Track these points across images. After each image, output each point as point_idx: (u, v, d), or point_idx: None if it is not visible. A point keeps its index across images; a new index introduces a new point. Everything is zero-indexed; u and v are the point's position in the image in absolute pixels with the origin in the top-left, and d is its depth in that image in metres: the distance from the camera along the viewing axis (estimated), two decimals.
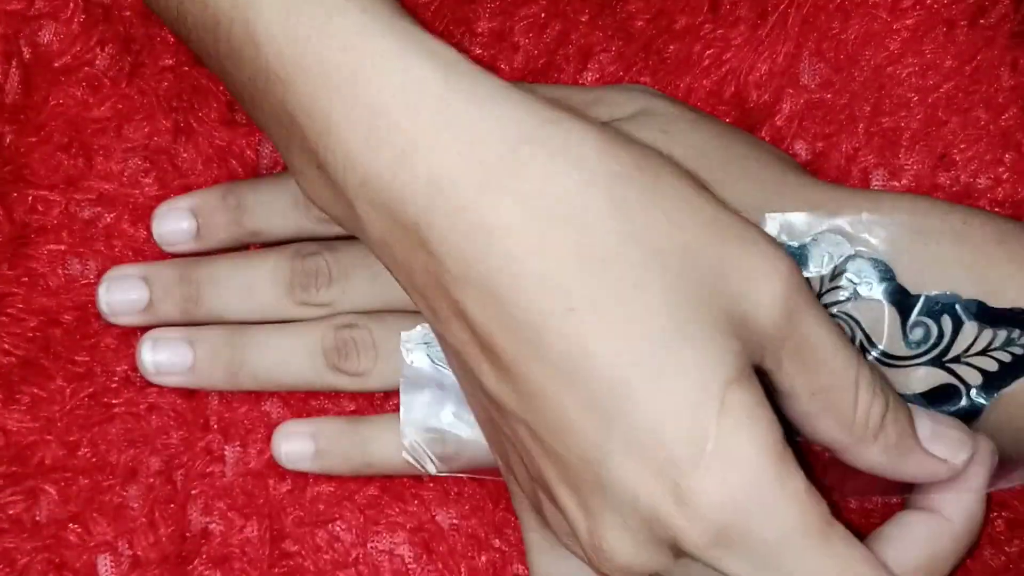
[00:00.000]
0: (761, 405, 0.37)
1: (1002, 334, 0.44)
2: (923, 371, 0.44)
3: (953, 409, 0.44)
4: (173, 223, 0.49)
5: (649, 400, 0.36)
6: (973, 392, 0.44)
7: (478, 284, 0.37)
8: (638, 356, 0.36)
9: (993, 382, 0.44)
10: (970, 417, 0.45)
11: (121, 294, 0.49)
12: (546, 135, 0.37)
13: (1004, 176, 0.49)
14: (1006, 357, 0.44)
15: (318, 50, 0.38)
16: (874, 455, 0.41)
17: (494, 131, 0.37)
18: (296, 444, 0.48)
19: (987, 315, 0.44)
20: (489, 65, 0.50)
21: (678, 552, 0.38)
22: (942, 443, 0.42)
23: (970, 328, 0.44)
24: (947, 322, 0.44)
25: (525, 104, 0.37)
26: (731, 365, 0.36)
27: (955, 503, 0.42)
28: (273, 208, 0.49)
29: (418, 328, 0.47)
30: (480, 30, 0.50)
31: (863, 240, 0.44)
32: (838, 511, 0.42)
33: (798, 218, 0.44)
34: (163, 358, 0.49)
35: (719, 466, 0.36)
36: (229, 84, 0.42)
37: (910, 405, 0.43)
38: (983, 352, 0.44)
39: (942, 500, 0.42)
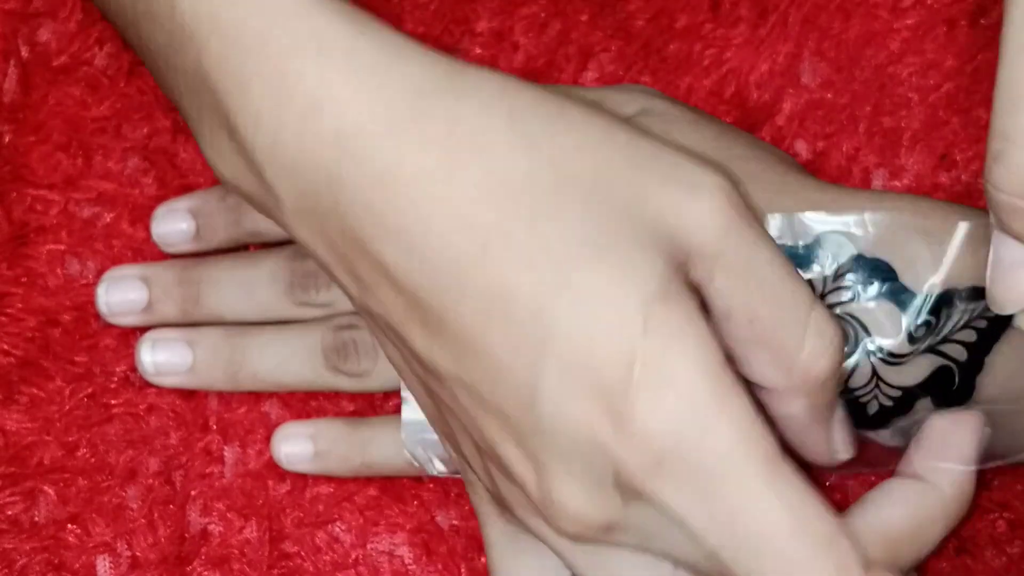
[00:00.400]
0: (691, 321, 0.35)
1: (980, 304, 0.44)
2: (918, 361, 0.44)
3: (951, 389, 0.44)
4: (172, 224, 0.49)
5: (573, 326, 0.35)
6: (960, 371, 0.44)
7: (394, 235, 0.36)
8: (556, 283, 0.35)
9: (976, 353, 0.44)
10: (964, 396, 0.45)
11: (120, 294, 0.49)
12: (450, 82, 0.37)
13: None
14: (981, 324, 0.44)
15: (232, 9, 0.37)
16: (796, 409, 0.39)
17: (400, 80, 0.36)
18: (296, 446, 0.48)
19: (971, 294, 0.44)
20: (489, 65, 0.50)
21: (626, 493, 0.36)
22: (843, 432, 0.41)
23: (957, 311, 0.44)
24: (944, 315, 0.44)
25: (431, 57, 0.37)
26: (653, 282, 0.35)
27: (944, 472, 0.41)
28: None
29: None
30: (480, 30, 0.50)
31: (865, 240, 0.44)
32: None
33: (800, 218, 0.44)
34: (162, 359, 0.49)
35: (651, 387, 0.34)
36: (143, 52, 0.41)
37: None
38: (965, 326, 0.44)
39: (930, 469, 0.41)
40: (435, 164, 0.36)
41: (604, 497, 0.36)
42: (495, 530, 0.43)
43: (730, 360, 0.36)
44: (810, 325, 0.38)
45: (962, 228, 0.44)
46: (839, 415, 0.41)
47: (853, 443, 0.42)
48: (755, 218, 0.37)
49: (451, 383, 0.37)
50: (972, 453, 0.41)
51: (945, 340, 0.44)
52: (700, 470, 0.35)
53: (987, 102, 0.49)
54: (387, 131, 0.36)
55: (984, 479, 0.48)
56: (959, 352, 0.44)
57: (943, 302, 0.44)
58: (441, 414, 0.40)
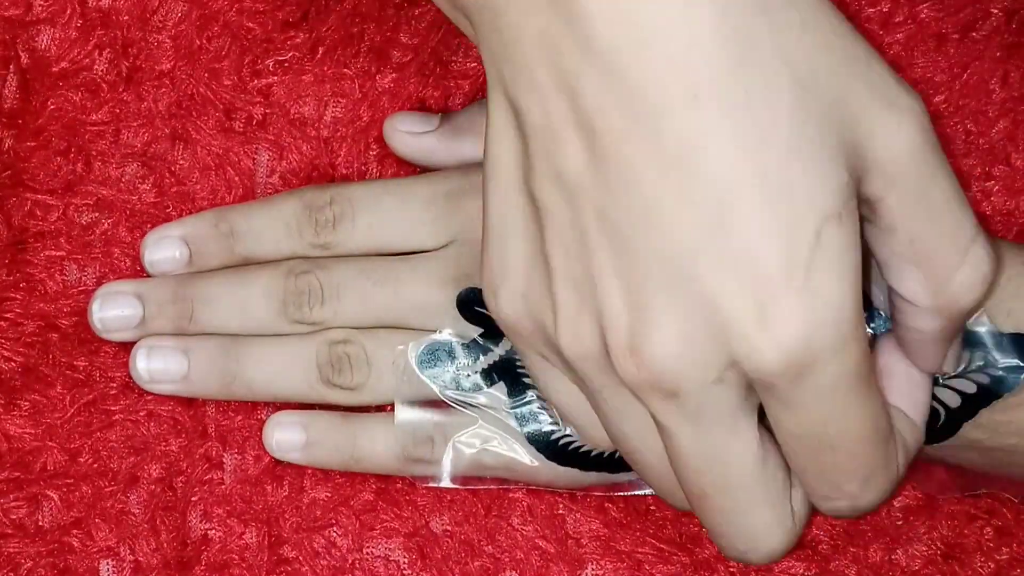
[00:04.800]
0: (855, 247, 0.36)
1: (979, 355, 0.45)
2: None
3: (934, 429, 0.45)
4: (165, 251, 0.49)
5: (753, 214, 0.35)
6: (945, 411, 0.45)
7: (606, 51, 0.35)
8: (753, 165, 0.35)
9: (971, 404, 0.45)
10: (946, 435, 0.45)
11: (114, 311, 0.49)
12: None
13: (994, 189, 0.49)
14: (984, 379, 0.45)
15: None
16: (929, 326, 0.40)
17: None
18: (287, 433, 0.49)
19: (965, 338, 0.44)
20: (483, 77, 0.50)
21: (721, 373, 0.37)
22: (956, 349, 0.43)
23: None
24: None
25: None
26: (837, 198, 0.35)
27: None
28: (265, 235, 0.49)
29: (410, 344, 0.48)
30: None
31: None
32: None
33: None
34: (157, 366, 0.49)
35: (808, 298, 0.35)
36: None
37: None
38: (962, 375, 0.45)
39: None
40: (662, 6, 0.35)
41: (701, 365, 0.37)
42: (538, 357, 0.42)
43: (881, 267, 0.39)
44: (968, 256, 0.39)
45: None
46: (959, 336, 0.42)
47: (959, 359, 0.43)
48: (938, 146, 0.38)
49: (585, 208, 0.37)
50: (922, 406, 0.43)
51: (937, 383, 0.45)
52: (819, 381, 0.36)
53: (976, 116, 0.50)
54: None
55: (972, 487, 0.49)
56: (951, 398, 0.45)
57: None
58: (539, 234, 0.39)
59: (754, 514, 0.39)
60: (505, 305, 0.40)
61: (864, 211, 0.38)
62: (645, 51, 0.35)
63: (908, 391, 0.42)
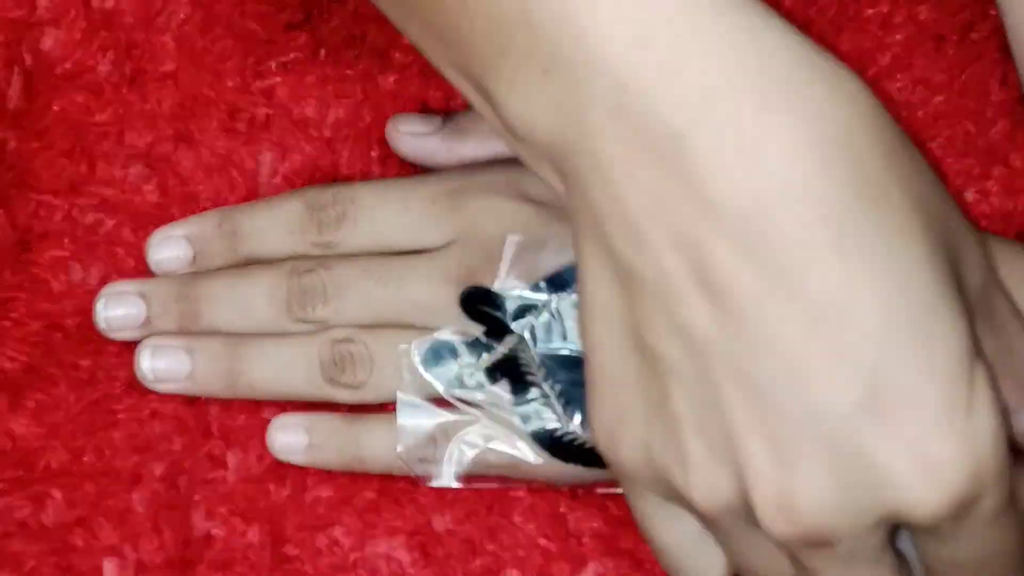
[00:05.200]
0: (992, 378, 0.36)
1: None
2: None
3: None
4: (169, 251, 0.50)
5: (909, 362, 0.35)
6: None
7: (735, 218, 0.35)
8: (902, 312, 0.35)
9: None
10: None
11: (119, 310, 0.49)
12: (819, 64, 0.35)
13: (993, 189, 0.50)
14: None
15: None
16: None
17: (772, 50, 0.35)
18: (291, 436, 0.49)
19: None
20: None
21: (876, 523, 0.37)
22: None
23: None
24: None
25: (792, 31, 0.36)
26: (971, 336, 0.36)
27: None
28: (268, 234, 0.49)
29: (413, 343, 0.48)
30: None
31: None
32: None
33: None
34: (161, 365, 0.49)
35: (970, 437, 0.35)
36: None
37: None
38: None
39: None
40: (804, 149, 0.34)
41: (859, 518, 0.36)
42: (647, 500, 0.41)
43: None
44: None
45: None
46: None
47: None
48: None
49: (713, 363, 0.36)
50: None
51: None
52: (981, 517, 0.36)
53: (975, 116, 0.50)
54: (760, 103, 0.34)
55: None
56: None
57: None
58: (660, 386, 0.38)
59: None
60: (629, 452, 0.39)
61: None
62: (779, 211, 0.34)
63: None
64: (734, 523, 0.38)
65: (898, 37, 0.50)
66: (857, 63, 0.50)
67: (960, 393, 0.35)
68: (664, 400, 0.37)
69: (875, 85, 0.50)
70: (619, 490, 0.49)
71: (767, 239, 0.35)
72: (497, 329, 0.47)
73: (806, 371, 0.35)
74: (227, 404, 0.50)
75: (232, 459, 0.50)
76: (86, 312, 0.50)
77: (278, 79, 0.51)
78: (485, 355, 0.47)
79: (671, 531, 0.41)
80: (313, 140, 0.51)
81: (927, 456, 0.35)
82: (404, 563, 0.49)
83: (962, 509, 0.36)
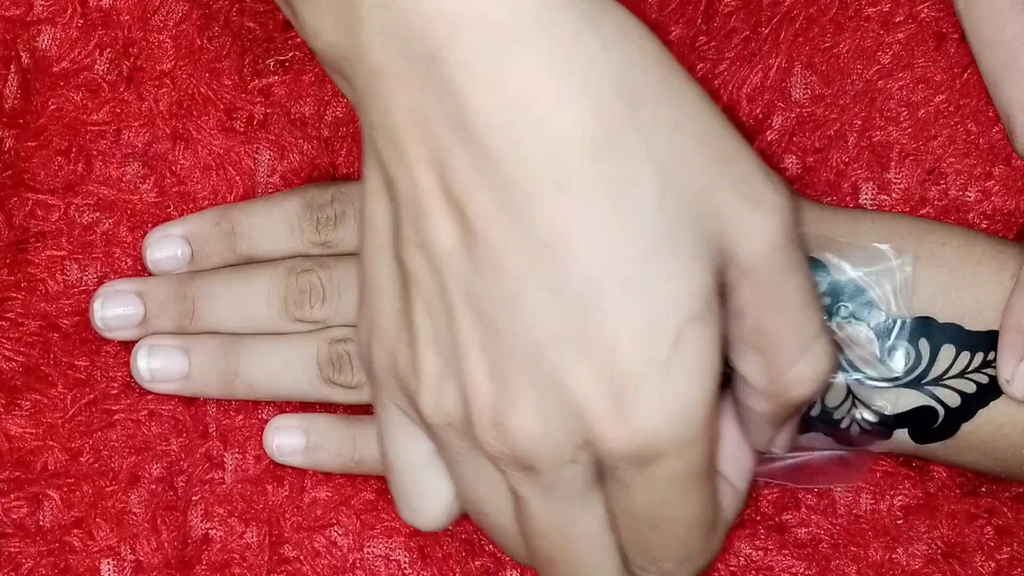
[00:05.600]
0: (715, 348, 0.37)
1: (979, 356, 0.45)
2: (902, 393, 0.45)
3: (932, 428, 0.46)
4: (167, 250, 0.50)
5: (617, 306, 0.36)
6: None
7: (479, 135, 0.36)
8: (617, 258, 0.36)
9: (971, 403, 0.45)
10: (946, 435, 0.46)
11: (116, 310, 0.49)
12: (589, 6, 0.36)
13: (994, 189, 0.49)
14: (983, 379, 0.45)
15: None
16: (761, 408, 0.41)
17: None
18: (288, 437, 0.49)
19: (963, 338, 0.45)
20: None
21: (575, 454, 0.38)
22: (787, 433, 0.44)
23: (947, 351, 0.45)
24: (924, 346, 0.45)
25: None
26: (700, 299, 0.37)
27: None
28: (266, 233, 0.49)
29: None
30: None
31: (840, 266, 0.45)
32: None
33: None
34: (158, 365, 0.49)
35: (662, 395, 0.36)
36: None
37: None
38: (961, 375, 0.45)
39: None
40: (548, 84, 0.36)
41: (556, 445, 0.38)
42: (396, 413, 0.43)
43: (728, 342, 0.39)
44: (808, 353, 0.40)
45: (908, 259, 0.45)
46: (790, 423, 0.43)
47: (790, 442, 0.44)
48: (798, 242, 0.39)
49: (451, 282, 0.38)
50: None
51: (936, 382, 0.45)
52: (661, 473, 0.38)
53: (976, 115, 0.50)
54: (512, 34, 0.36)
55: (972, 486, 0.49)
56: (951, 398, 0.45)
57: (922, 332, 0.45)
58: (402, 294, 0.40)
59: None
60: (378, 359, 0.41)
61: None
62: (517, 138, 0.36)
63: (735, 459, 0.43)
64: (459, 444, 0.40)
65: (899, 36, 0.50)
66: (858, 62, 0.50)
67: (660, 352, 0.36)
68: (408, 312, 0.39)
69: (876, 84, 0.50)
70: None
71: (502, 165, 0.36)
72: None
73: (523, 298, 0.36)
74: (225, 404, 0.50)
75: (230, 460, 0.50)
76: (83, 312, 0.50)
77: (276, 77, 0.51)
78: None
79: (405, 450, 0.42)
80: (311, 139, 0.51)
81: (619, 399, 0.36)
82: (403, 564, 0.49)
83: (644, 459, 0.37)
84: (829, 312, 0.45)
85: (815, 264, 0.45)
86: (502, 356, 0.37)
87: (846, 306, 0.45)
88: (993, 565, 0.49)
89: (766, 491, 0.49)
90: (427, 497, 0.43)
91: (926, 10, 0.50)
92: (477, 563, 0.49)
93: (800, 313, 0.39)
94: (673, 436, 0.37)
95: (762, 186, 0.38)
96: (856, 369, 0.45)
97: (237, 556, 0.49)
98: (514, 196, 0.36)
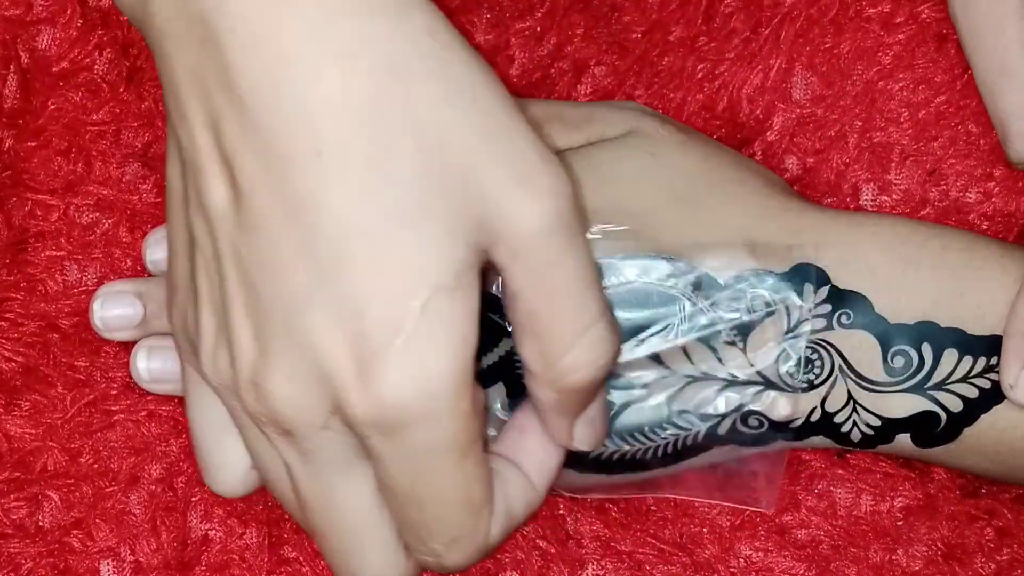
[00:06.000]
0: (465, 322, 0.37)
1: (981, 361, 0.45)
2: (904, 397, 0.45)
3: (935, 433, 0.46)
4: (166, 251, 0.49)
5: (365, 271, 0.37)
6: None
7: (244, 97, 0.37)
8: (369, 223, 0.37)
9: (974, 409, 0.45)
10: (947, 440, 0.46)
11: (115, 310, 0.49)
12: None
13: (994, 190, 0.49)
14: (985, 384, 0.45)
15: None
16: (544, 396, 0.41)
17: None
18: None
19: (966, 343, 0.45)
20: None
21: (327, 420, 0.38)
22: (589, 428, 0.43)
23: (950, 356, 0.45)
24: (927, 350, 0.45)
25: None
26: (449, 272, 0.37)
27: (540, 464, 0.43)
28: None
29: None
30: (476, 42, 0.51)
31: (840, 273, 0.45)
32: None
33: (769, 246, 0.45)
34: (158, 366, 0.49)
35: (404, 363, 0.37)
36: None
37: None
38: (963, 379, 0.45)
39: (527, 456, 0.43)
40: (308, 49, 0.36)
41: (309, 405, 0.38)
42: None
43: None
44: (584, 339, 0.39)
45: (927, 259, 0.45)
46: (591, 414, 0.42)
47: (597, 439, 0.43)
48: (577, 226, 0.39)
49: (224, 245, 0.38)
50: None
51: (939, 387, 0.45)
52: (411, 443, 0.38)
53: (977, 117, 0.50)
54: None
55: (972, 487, 0.49)
56: (953, 402, 0.45)
57: (924, 337, 0.45)
58: (190, 258, 0.40)
59: (365, 558, 0.41)
60: (175, 320, 0.42)
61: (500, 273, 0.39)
62: (278, 102, 0.36)
63: (534, 453, 0.43)
64: (236, 406, 0.40)
65: (900, 37, 0.50)
66: (859, 63, 0.50)
67: (404, 321, 0.37)
68: (194, 274, 0.40)
69: (877, 85, 0.50)
70: (617, 495, 0.49)
71: (264, 126, 0.37)
72: (493, 332, 0.47)
73: (280, 259, 0.37)
74: None
75: None
76: (83, 312, 0.50)
77: None
78: (480, 358, 0.47)
79: (202, 414, 0.43)
80: None
81: (363, 366, 0.37)
82: None
83: (388, 428, 0.37)
84: (828, 320, 0.45)
85: (808, 269, 0.45)
86: (263, 317, 0.38)
87: (847, 313, 0.45)
88: (993, 566, 0.49)
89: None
90: (224, 463, 0.43)
91: (927, 11, 0.50)
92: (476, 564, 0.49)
93: (575, 298, 0.39)
94: (417, 406, 0.37)
95: (536, 168, 0.38)
96: (854, 374, 0.45)
97: (237, 557, 0.49)
98: (274, 158, 0.37)
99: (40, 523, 0.49)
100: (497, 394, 0.47)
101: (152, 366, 0.49)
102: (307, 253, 0.37)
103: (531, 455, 0.43)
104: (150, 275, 0.50)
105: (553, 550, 0.49)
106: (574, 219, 0.38)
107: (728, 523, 0.49)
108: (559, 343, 0.39)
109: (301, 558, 0.49)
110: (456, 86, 0.37)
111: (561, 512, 0.49)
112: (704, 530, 0.49)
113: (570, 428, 0.42)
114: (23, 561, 0.49)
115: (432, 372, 0.37)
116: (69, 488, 0.49)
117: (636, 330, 0.45)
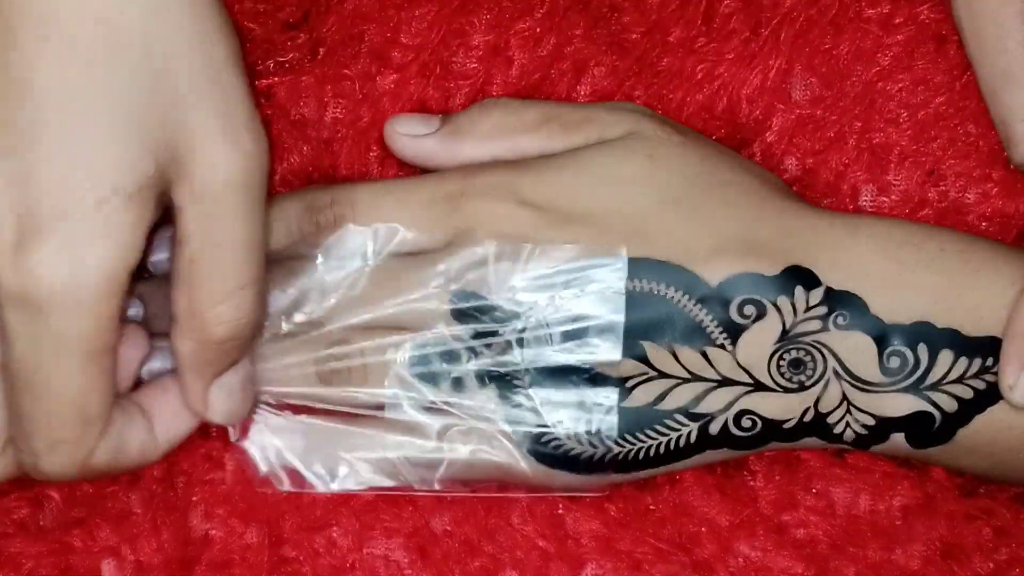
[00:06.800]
0: (134, 231, 0.40)
1: (977, 362, 0.45)
2: (899, 397, 0.45)
3: (929, 433, 0.46)
4: (168, 251, 0.48)
5: (53, 152, 0.39)
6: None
7: (30, 16, 0.39)
8: (72, 111, 0.39)
9: (969, 409, 0.45)
10: (942, 440, 0.46)
11: None
12: None
13: (993, 191, 0.50)
14: (981, 385, 0.45)
15: None
16: (179, 346, 0.44)
17: None
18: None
19: (961, 344, 0.45)
20: (484, 78, 0.51)
21: None
22: (224, 400, 0.45)
23: (945, 356, 0.45)
24: (923, 351, 0.45)
25: None
26: (131, 180, 0.40)
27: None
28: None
29: (405, 345, 0.48)
30: (475, 43, 0.51)
31: (835, 274, 0.45)
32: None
33: (762, 249, 0.45)
34: (157, 366, 0.49)
35: (61, 246, 0.39)
36: None
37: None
38: (959, 380, 0.45)
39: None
40: None
41: None
42: None
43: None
44: (235, 297, 0.42)
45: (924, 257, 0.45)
46: (230, 381, 0.45)
47: (233, 412, 0.46)
48: (259, 194, 0.42)
49: None
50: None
51: (934, 387, 0.45)
52: (43, 328, 0.40)
53: (976, 118, 0.50)
54: None
55: (970, 487, 0.49)
56: (948, 403, 0.45)
57: (919, 338, 0.45)
58: None
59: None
60: None
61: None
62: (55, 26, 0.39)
63: (166, 411, 0.45)
64: None
65: (899, 37, 0.50)
66: (858, 63, 0.50)
67: (74, 206, 0.39)
68: None
69: (876, 86, 0.50)
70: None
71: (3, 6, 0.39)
72: (486, 334, 0.47)
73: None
74: None
75: (230, 460, 0.50)
76: None
77: (276, 79, 0.51)
78: (475, 359, 0.47)
79: None
80: (311, 140, 0.51)
81: (25, 235, 0.39)
82: (402, 564, 0.49)
83: (28, 304, 0.40)
84: (823, 320, 0.45)
85: (798, 272, 0.45)
86: None
87: (843, 314, 0.45)
88: (991, 566, 0.49)
89: (764, 491, 0.49)
90: None
91: (926, 12, 0.50)
92: (476, 563, 0.49)
93: (238, 257, 0.42)
94: (62, 292, 0.39)
95: (243, 127, 0.41)
96: (849, 375, 0.45)
97: (237, 556, 0.49)
98: (5, 31, 0.39)
99: (41, 522, 0.50)
100: (492, 394, 0.47)
101: (152, 366, 0.49)
102: (7, 122, 0.39)
103: (163, 412, 0.45)
104: (150, 275, 0.50)
105: (552, 549, 0.49)
106: (259, 187, 0.42)
107: (727, 522, 0.49)
108: (210, 295, 0.42)
109: (301, 557, 0.49)
110: (202, 30, 0.40)
111: (560, 512, 0.50)
112: (703, 529, 0.49)
113: (205, 392, 0.44)
114: (24, 560, 0.49)
115: (87, 265, 0.39)
116: (70, 487, 0.50)
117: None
